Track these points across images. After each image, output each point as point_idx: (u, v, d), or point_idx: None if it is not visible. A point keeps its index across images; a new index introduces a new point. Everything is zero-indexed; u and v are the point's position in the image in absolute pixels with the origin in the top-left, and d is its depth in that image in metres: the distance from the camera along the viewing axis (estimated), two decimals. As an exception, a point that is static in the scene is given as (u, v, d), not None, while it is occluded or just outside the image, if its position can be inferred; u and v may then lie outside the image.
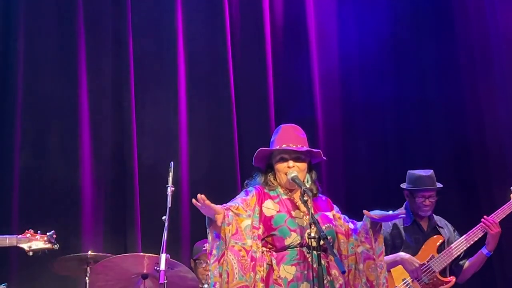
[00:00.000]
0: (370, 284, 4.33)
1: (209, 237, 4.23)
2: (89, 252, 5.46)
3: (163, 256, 4.42)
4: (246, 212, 4.26)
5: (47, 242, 4.27)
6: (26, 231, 4.23)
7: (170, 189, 4.66)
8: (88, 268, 5.34)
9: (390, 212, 4.33)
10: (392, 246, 5.62)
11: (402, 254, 5.59)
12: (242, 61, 7.14)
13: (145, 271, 5.02)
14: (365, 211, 4.32)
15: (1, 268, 6.13)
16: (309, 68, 7.24)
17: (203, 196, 4.08)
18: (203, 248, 5.78)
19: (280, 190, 4.41)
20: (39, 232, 4.24)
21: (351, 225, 4.44)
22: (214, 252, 4.19)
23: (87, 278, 5.33)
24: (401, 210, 4.42)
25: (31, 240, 4.22)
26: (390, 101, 7.36)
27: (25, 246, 4.19)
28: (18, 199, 6.20)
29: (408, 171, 5.86)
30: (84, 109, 6.55)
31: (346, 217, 4.51)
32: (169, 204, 4.61)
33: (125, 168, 6.57)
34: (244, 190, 4.45)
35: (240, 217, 4.25)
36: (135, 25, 6.80)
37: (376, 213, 4.31)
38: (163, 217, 4.54)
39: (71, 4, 6.70)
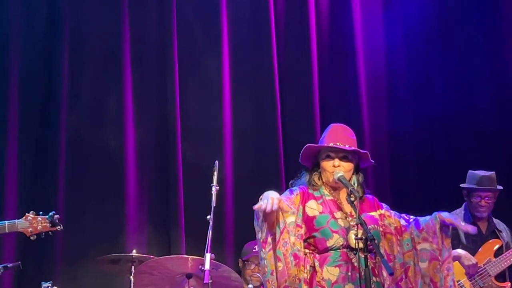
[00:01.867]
0: (434, 285, 4.25)
1: (264, 226, 4.12)
2: (134, 252, 5.49)
3: (208, 256, 4.40)
4: (291, 209, 4.21)
5: (49, 224, 3.96)
6: (26, 214, 3.97)
7: (214, 189, 4.63)
8: (133, 267, 5.36)
9: (463, 223, 4.31)
10: None
11: (459, 250, 5.57)
12: (287, 61, 7.10)
13: (189, 271, 5.01)
14: (438, 214, 4.26)
15: (46, 266, 6.18)
16: (355, 71, 7.15)
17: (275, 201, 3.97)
18: (253, 250, 5.78)
19: (324, 190, 4.36)
20: (40, 213, 4.04)
21: (403, 222, 4.37)
22: (269, 240, 4.12)
23: (131, 277, 5.35)
24: (473, 228, 4.36)
25: (32, 223, 3.92)
26: (438, 106, 7.22)
27: (26, 230, 3.90)
28: (63, 201, 6.24)
29: (469, 171, 5.86)
30: (129, 108, 6.57)
31: (397, 213, 4.43)
32: (213, 203, 4.58)
33: (169, 167, 6.58)
34: (288, 189, 4.41)
35: (286, 213, 4.19)
36: (180, 24, 6.80)
37: (447, 217, 4.26)
38: (208, 217, 4.51)
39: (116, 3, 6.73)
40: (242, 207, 6.68)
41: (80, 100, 6.53)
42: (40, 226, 3.90)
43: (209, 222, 4.51)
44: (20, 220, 3.87)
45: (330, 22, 7.27)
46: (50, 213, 3.92)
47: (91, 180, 6.41)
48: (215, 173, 4.67)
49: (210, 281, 4.42)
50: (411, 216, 4.42)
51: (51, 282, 5.27)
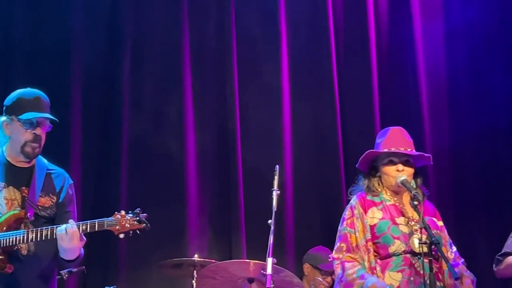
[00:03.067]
0: None
1: None
2: (195, 256, 5.52)
3: (270, 260, 4.39)
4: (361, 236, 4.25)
5: (137, 222, 3.92)
6: (116, 212, 3.95)
7: (275, 193, 4.62)
8: (195, 272, 5.39)
9: None
10: None
11: None
12: (346, 65, 7.03)
13: (251, 276, 5.01)
14: None
15: (109, 271, 6.26)
16: (415, 80, 7.00)
17: None
18: (329, 259, 5.79)
19: (384, 195, 4.34)
20: (129, 212, 3.98)
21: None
22: None
23: (194, 281, 5.39)
24: None
25: (120, 222, 3.89)
26: (501, 116, 6.99)
27: (114, 228, 3.89)
28: (125, 206, 6.28)
29: None
30: (189, 113, 6.61)
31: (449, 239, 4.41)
32: (274, 208, 4.57)
33: (230, 172, 6.60)
34: (349, 206, 4.37)
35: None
36: (239, 30, 6.81)
37: None
38: (269, 221, 4.51)
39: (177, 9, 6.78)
40: (303, 211, 6.68)
41: (141, 106, 6.60)
42: (127, 224, 3.90)
43: (270, 227, 4.51)
44: (109, 218, 3.90)
45: (389, 29, 7.14)
46: (136, 210, 3.95)
47: (152, 185, 6.47)
48: (276, 178, 4.65)
49: (272, 285, 4.40)
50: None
51: (114, 286, 5.35)
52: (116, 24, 6.67)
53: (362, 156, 4.39)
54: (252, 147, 6.72)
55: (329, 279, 5.86)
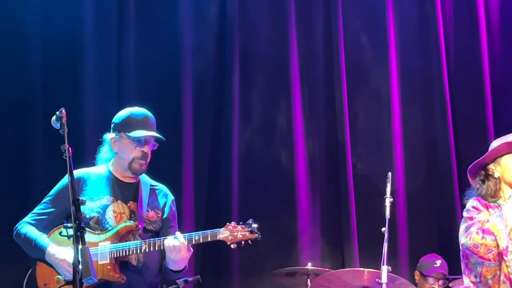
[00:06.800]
0: None
1: None
2: (309, 265, 5.53)
3: (384, 268, 4.37)
4: None
5: (249, 233, 3.96)
6: (228, 223, 4.01)
7: (388, 200, 4.58)
8: (309, 280, 5.40)
9: None
10: None
11: None
12: (457, 68, 6.93)
13: (365, 284, 4.99)
14: None
15: (223, 280, 6.31)
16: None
17: None
18: (435, 265, 5.70)
19: (500, 201, 4.20)
20: (240, 223, 4.02)
21: None
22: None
23: (308, 289, 5.41)
24: None
25: (232, 232, 3.95)
26: None
27: (226, 238, 3.94)
28: (237, 215, 6.34)
29: None
30: (298, 122, 6.62)
31: None
32: (388, 215, 4.54)
33: (340, 180, 6.58)
34: (470, 206, 4.20)
35: None
36: (347, 36, 6.78)
37: None
38: (383, 229, 4.48)
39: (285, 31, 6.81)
40: (416, 218, 6.59)
41: (251, 116, 6.64)
42: (240, 235, 3.97)
43: (383, 234, 4.48)
44: (221, 229, 3.99)
45: (501, 27, 6.99)
46: (248, 221, 4.01)
47: (263, 194, 6.50)
48: (389, 185, 4.61)
49: (387, 293, 4.38)
50: None
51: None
52: (224, 36, 6.70)
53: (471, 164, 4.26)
54: (362, 154, 6.69)
55: (432, 281, 5.75)
